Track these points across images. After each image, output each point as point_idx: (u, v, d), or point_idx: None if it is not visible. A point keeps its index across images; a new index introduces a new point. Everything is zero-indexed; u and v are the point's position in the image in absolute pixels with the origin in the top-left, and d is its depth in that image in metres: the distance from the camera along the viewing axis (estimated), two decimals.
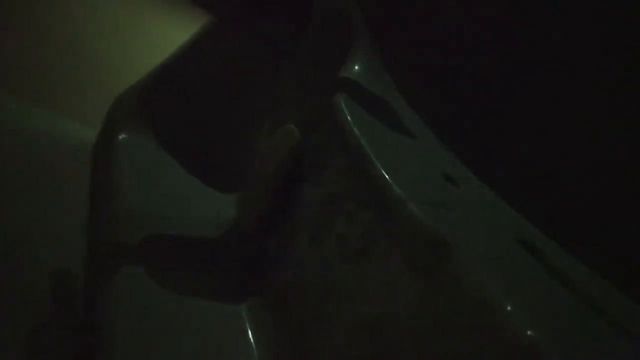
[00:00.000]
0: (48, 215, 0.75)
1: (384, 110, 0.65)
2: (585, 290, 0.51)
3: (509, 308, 0.44)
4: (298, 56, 0.73)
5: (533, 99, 0.66)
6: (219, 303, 0.66)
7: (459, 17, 0.70)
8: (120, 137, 0.79)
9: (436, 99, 0.67)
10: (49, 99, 0.89)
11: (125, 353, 0.57)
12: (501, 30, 0.65)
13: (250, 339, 0.63)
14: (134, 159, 0.78)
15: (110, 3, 1.13)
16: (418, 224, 0.52)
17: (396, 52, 0.70)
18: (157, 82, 0.82)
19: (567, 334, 0.45)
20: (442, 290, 0.48)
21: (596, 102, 0.60)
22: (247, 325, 0.64)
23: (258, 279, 0.66)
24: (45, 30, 1.08)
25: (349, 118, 0.62)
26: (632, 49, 0.61)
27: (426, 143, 0.64)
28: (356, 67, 0.69)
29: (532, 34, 0.63)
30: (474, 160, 0.62)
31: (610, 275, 0.54)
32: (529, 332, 0.44)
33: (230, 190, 0.79)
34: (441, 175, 0.61)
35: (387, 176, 0.57)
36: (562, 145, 0.61)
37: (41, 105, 0.84)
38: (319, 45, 0.72)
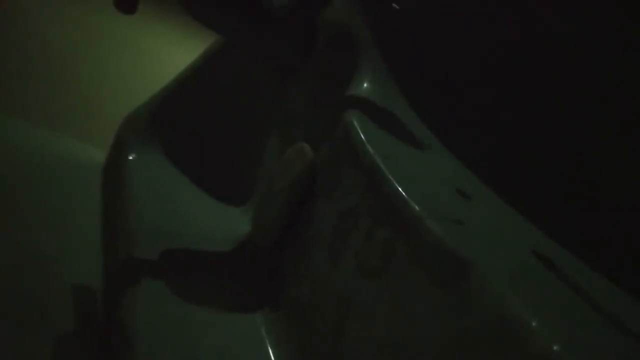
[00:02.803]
0: (62, 234, 0.73)
1: (394, 124, 0.63)
2: (604, 303, 0.50)
3: (534, 324, 0.43)
4: (306, 73, 0.71)
5: (547, 108, 0.65)
6: (237, 317, 0.64)
7: (467, 24, 0.68)
8: (131, 156, 0.77)
9: (446, 111, 0.65)
10: (57, 120, 0.88)
11: None
12: (512, 35, 0.64)
13: (268, 351, 0.61)
14: (145, 177, 0.76)
15: (118, 24, 1.10)
16: (438, 242, 0.51)
17: (404, 65, 0.69)
18: (166, 102, 0.80)
19: (592, 349, 0.44)
20: (464, 307, 0.47)
21: (614, 109, 0.59)
22: (265, 338, 0.63)
23: (274, 293, 0.65)
24: (53, 52, 1.06)
25: (361, 134, 0.61)
26: None
27: (437, 156, 0.63)
28: (365, 83, 0.68)
29: (546, 38, 0.62)
30: (485, 172, 0.61)
31: (628, 286, 0.52)
32: (555, 348, 0.42)
33: (241, 206, 0.77)
34: (454, 190, 0.59)
35: (403, 193, 0.56)
36: (577, 155, 0.60)
37: (49, 126, 0.83)
38: (326, 62, 0.71)
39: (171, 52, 1.10)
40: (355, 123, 0.61)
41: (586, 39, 0.63)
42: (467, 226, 0.54)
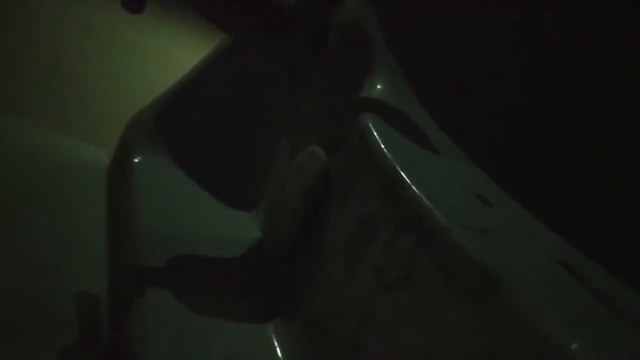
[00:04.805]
0: (65, 238, 0.69)
1: (410, 128, 0.60)
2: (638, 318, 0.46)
3: (573, 346, 0.39)
4: (316, 74, 0.67)
5: (571, 110, 0.61)
6: (248, 327, 0.60)
7: (483, 25, 0.65)
8: (136, 158, 0.73)
9: (464, 114, 0.62)
10: (60, 120, 0.83)
11: None
12: (532, 32, 0.60)
13: None
14: (151, 180, 0.72)
15: (123, 22, 1.06)
16: (464, 254, 0.47)
17: (418, 67, 0.65)
18: (172, 103, 0.76)
19: None
20: (494, 324, 0.43)
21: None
22: (277, 348, 0.59)
23: (286, 302, 0.61)
24: (55, 50, 1.01)
25: (378, 139, 0.57)
26: None
27: (455, 161, 0.59)
28: (378, 85, 0.64)
29: (568, 39, 0.58)
30: (505, 178, 0.57)
31: None
32: None
33: (249, 210, 0.73)
34: (475, 196, 0.56)
35: (424, 200, 0.52)
36: (601, 160, 0.57)
37: (51, 125, 0.78)
38: (338, 63, 0.66)
39: (177, 52, 1.05)
40: (372, 127, 0.58)
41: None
42: (492, 235, 0.51)
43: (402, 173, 0.53)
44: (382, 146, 0.56)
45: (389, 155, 0.55)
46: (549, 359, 0.40)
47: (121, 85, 1.03)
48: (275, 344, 0.58)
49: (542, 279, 0.48)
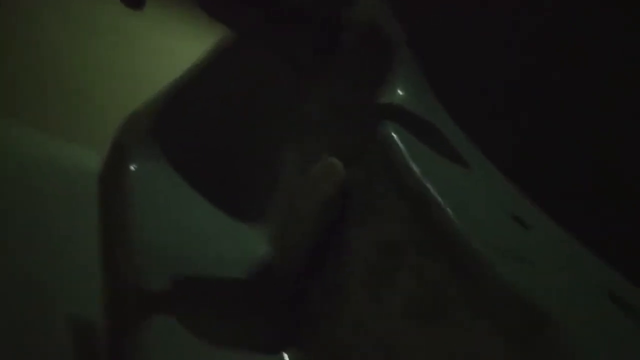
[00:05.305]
0: (53, 255, 0.63)
1: (435, 138, 0.55)
2: None
3: None
4: (329, 77, 0.62)
5: (616, 119, 0.56)
6: (258, 354, 0.56)
7: (508, 24, 0.60)
8: (131, 164, 0.67)
9: (493, 124, 0.57)
10: (48, 120, 0.76)
11: None
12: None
13: None
14: (149, 190, 0.66)
15: (119, 15, 0.97)
16: (505, 287, 0.43)
17: (441, 69, 0.59)
18: (171, 103, 0.69)
19: None
20: None
21: None
22: None
23: (299, 328, 0.56)
24: (37, 41, 0.93)
25: (403, 152, 0.52)
26: None
27: (485, 176, 0.54)
28: (398, 90, 0.58)
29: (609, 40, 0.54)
30: (541, 196, 0.53)
31: None
32: None
33: (253, 222, 0.68)
34: (510, 217, 0.51)
35: (458, 224, 0.47)
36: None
37: (36, 125, 0.71)
38: (353, 64, 0.61)
39: (175, 47, 0.97)
40: (396, 138, 0.52)
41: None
42: (534, 265, 0.46)
43: (432, 192, 0.49)
44: (409, 161, 0.51)
45: (417, 172, 0.50)
46: None
47: (114, 81, 0.95)
48: None
49: (591, 316, 0.43)
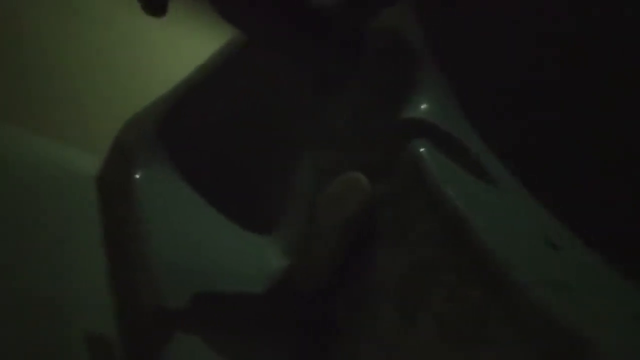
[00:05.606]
0: (56, 266, 0.60)
1: (466, 156, 0.54)
2: None
3: None
4: (351, 86, 0.60)
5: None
6: None
7: (539, 33, 0.59)
8: (137, 172, 0.64)
9: (524, 140, 0.56)
10: (46, 122, 0.72)
11: None
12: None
13: None
14: (155, 197, 0.63)
15: (121, 13, 0.91)
16: (545, 314, 0.43)
17: (469, 83, 0.58)
18: (177, 105, 0.66)
19: None
20: None
21: None
22: None
23: (323, 349, 0.55)
24: (33, 38, 0.88)
25: (435, 172, 0.51)
26: None
27: (515, 195, 0.54)
28: (425, 102, 0.57)
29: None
30: (573, 217, 0.53)
31: None
32: None
33: (265, 233, 0.66)
34: (541, 238, 0.51)
35: (494, 248, 0.47)
36: None
37: (30, 126, 0.67)
38: (377, 74, 0.59)
39: (183, 45, 0.91)
40: (426, 156, 0.51)
41: None
42: (571, 289, 0.46)
43: (467, 214, 0.48)
44: (442, 181, 0.50)
45: (451, 193, 0.49)
46: None
47: (116, 81, 0.90)
48: None
49: (629, 341, 0.44)
